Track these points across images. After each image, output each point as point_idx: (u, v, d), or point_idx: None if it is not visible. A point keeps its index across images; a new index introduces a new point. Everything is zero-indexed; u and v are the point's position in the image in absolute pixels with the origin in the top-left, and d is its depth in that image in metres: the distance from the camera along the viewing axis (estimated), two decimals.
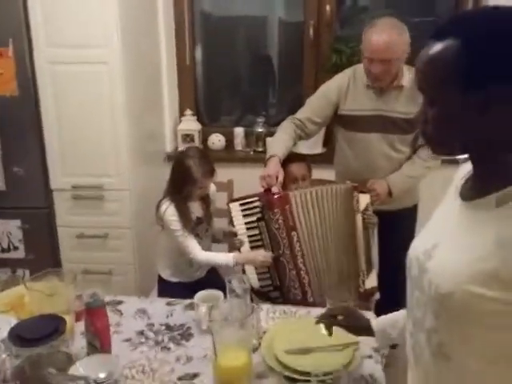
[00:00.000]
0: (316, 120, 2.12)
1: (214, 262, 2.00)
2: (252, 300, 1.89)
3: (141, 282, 2.48)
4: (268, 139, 2.86)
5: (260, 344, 1.40)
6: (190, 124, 2.87)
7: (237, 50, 3.07)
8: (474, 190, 0.83)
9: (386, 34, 1.85)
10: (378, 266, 2.24)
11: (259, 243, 1.91)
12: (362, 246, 1.93)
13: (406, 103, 1.99)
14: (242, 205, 1.94)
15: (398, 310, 2.26)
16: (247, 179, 2.74)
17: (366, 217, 1.93)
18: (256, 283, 1.91)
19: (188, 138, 2.86)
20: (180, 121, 2.90)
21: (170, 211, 1.94)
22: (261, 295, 1.92)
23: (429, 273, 0.85)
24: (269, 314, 1.60)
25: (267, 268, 1.89)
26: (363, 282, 1.93)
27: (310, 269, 1.89)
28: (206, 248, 2.06)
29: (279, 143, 2.07)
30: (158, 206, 1.98)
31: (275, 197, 1.87)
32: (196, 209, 2.04)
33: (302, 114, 2.14)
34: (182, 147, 2.86)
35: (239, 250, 1.94)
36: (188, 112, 2.86)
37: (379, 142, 2.06)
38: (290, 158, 2.05)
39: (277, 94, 3.14)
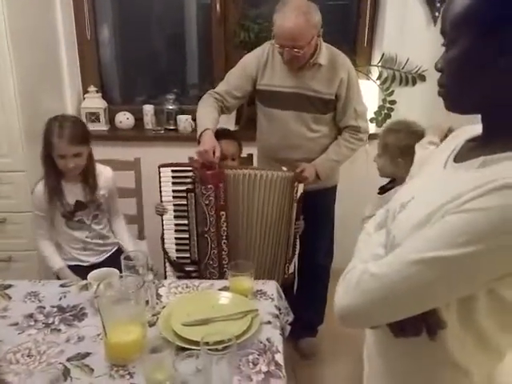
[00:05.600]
0: (235, 94, 2.07)
1: (44, 258, 1.97)
2: (164, 277, 1.85)
3: (45, 269, 2.35)
4: (180, 117, 2.81)
5: (158, 319, 1.38)
6: (95, 102, 2.74)
7: (148, 28, 2.97)
8: (470, 153, 0.80)
9: (293, 22, 1.81)
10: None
11: (184, 214, 1.85)
12: (293, 234, 1.92)
13: (323, 82, 1.99)
14: (174, 171, 1.85)
15: (316, 282, 2.35)
16: (157, 158, 2.69)
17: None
18: (173, 254, 1.88)
19: (93, 116, 2.74)
20: (84, 98, 2.77)
21: (36, 189, 1.87)
22: (177, 267, 1.89)
23: (393, 223, 0.84)
24: (171, 289, 1.58)
25: (188, 241, 1.86)
26: (288, 268, 1.94)
27: (231, 251, 1.86)
28: (98, 234, 2.01)
29: (207, 116, 1.99)
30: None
31: (209, 172, 1.80)
32: (76, 192, 1.92)
33: (221, 87, 2.09)
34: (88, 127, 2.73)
35: (162, 216, 1.88)
36: (92, 89, 2.73)
37: (294, 121, 2.04)
38: (220, 135, 1.97)
39: (189, 72, 3.08)
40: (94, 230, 2.00)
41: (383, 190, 1.87)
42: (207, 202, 1.82)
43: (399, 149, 1.75)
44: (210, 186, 1.80)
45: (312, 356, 2.40)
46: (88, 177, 1.93)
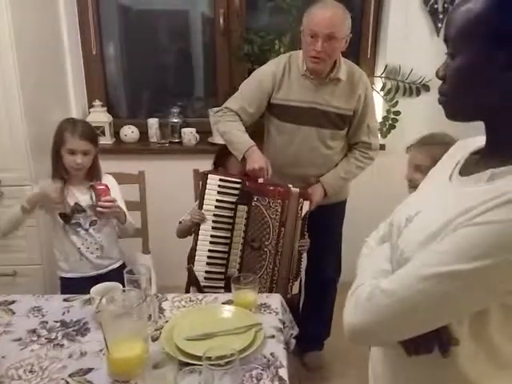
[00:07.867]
0: (249, 111, 2.00)
1: (8, 220, 1.87)
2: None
3: (50, 283, 2.35)
4: (184, 130, 2.81)
5: (160, 333, 1.36)
6: (100, 116, 2.76)
7: (153, 42, 2.99)
8: (475, 166, 0.79)
9: (330, 11, 1.81)
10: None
11: (226, 226, 1.81)
12: (296, 252, 1.90)
13: (342, 98, 1.97)
14: (222, 180, 1.81)
15: (324, 296, 2.30)
16: (161, 171, 2.70)
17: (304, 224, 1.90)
18: (202, 268, 1.82)
19: (98, 130, 2.74)
20: (89, 112, 2.79)
21: (44, 179, 1.90)
22: (198, 285, 1.83)
23: (400, 238, 0.83)
24: (174, 303, 1.56)
25: (225, 254, 1.81)
26: (291, 288, 1.90)
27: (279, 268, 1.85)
28: (95, 244, 1.95)
29: (243, 133, 1.94)
30: None
31: (278, 189, 1.81)
32: (80, 195, 1.92)
33: (234, 104, 2.01)
34: None
35: (198, 225, 1.82)
36: (97, 103, 2.75)
37: (310, 136, 2.00)
38: (230, 152, 1.94)
39: (193, 85, 3.10)
40: (92, 236, 1.94)
41: None
42: (273, 216, 1.81)
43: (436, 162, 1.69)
44: (279, 201, 1.80)
45: (318, 369, 2.37)
46: (93, 180, 1.94)
